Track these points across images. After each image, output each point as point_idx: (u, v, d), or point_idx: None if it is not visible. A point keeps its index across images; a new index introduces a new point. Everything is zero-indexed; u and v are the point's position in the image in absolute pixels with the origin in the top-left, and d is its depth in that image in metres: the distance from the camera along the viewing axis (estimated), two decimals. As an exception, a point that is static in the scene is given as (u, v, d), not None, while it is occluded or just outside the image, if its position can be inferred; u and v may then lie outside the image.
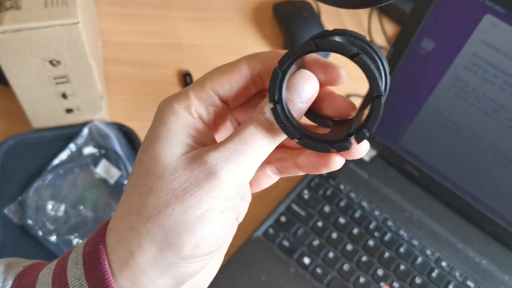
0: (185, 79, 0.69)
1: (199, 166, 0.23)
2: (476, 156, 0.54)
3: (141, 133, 0.62)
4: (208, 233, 0.23)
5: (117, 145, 0.57)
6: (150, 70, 0.71)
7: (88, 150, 0.57)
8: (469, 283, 0.54)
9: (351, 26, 0.80)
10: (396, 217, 0.58)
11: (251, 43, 0.77)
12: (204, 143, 0.25)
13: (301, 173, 0.29)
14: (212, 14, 0.79)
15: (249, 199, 0.31)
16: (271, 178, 0.31)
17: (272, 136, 0.24)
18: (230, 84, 0.26)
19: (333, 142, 0.24)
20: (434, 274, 0.54)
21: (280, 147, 0.29)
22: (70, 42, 0.49)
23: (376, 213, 0.58)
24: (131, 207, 0.23)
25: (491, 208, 0.56)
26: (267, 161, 0.30)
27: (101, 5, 0.77)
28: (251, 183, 0.31)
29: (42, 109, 0.56)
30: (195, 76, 0.70)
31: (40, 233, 0.52)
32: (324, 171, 0.27)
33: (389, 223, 0.57)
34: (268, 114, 0.24)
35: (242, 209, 0.30)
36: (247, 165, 0.23)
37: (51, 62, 0.51)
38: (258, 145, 0.24)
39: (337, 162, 0.26)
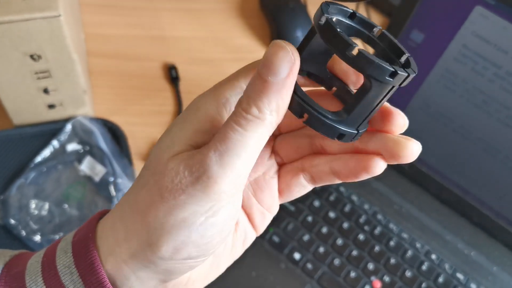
0: (171, 72, 0.68)
1: (189, 168, 0.22)
2: (465, 148, 0.54)
3: (126, 128, 0.61)
4: (189, 239, 0.22)
5: (102, 141, 0.56)
6: (135, 63, 0.69)
7: (72, 146, 0.56)
8: (459, 275, 0.54)
9: (338, 17, 0.79)
10: (386, 211, 0.58)
11: (237, 34, 0.75)
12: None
13: (337, 181, 0.27)
14: (197, 5, 0.78)
15: (275, 210, 0.29)
16: (304, 187, 0.29)
17: (257, 127, 0.22)
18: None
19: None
20: (424, 267, 0.54)
21: (315, 152, 0.28)
22: (52, 35, 0.48)
23: (366, 206, 0.58)
24: (129, 198, 0.24)
25: (479, 200, 0.56)
26: (301, 168, 0.28)
27: (83, -4, 0.75)
28: (281, 191, 0.29)
29: (23, 105, 0.55)
30: (181, 69, 0.69)
31: (24, 232, 0.51)
32: (364, 176, 0.25)
33: (379, 216, 0.57)
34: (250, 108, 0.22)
35: (263, 221, 0.29)
36: (236, 169, 0.22)
37: (31, 57, 0.49)
38: (242, 142, 0.22)
39: (379, 165, 0.25)
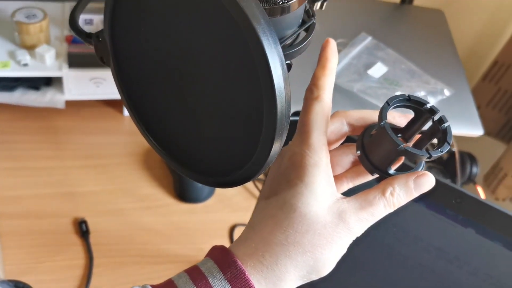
0: (81, 226, 0.73)
1: (343, 225, 0.33)
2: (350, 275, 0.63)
3: (38, 286, 0.63)
4: (336, 262, 0.34)
5: (14, 304, 0.58)
6: (45, 220, 0.74)
7: (-17, 313, 0.57)
8: None
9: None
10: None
11: (143, 184, 0.83)
12: (333, 184, 0.34)
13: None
14: (104, 161, 0.85)
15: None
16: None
17: (391, 210, 0.34)
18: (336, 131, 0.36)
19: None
20: None
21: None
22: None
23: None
24: (287, 240, 0.33)
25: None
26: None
27: (-5, 161, 0.80)
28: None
29: None
30: (91, 222, 0.74)
31: None
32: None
33: None
34: (396, 196, 0.33)
35: None
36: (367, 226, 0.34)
37: None
38: (381, 216, 0.33)
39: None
